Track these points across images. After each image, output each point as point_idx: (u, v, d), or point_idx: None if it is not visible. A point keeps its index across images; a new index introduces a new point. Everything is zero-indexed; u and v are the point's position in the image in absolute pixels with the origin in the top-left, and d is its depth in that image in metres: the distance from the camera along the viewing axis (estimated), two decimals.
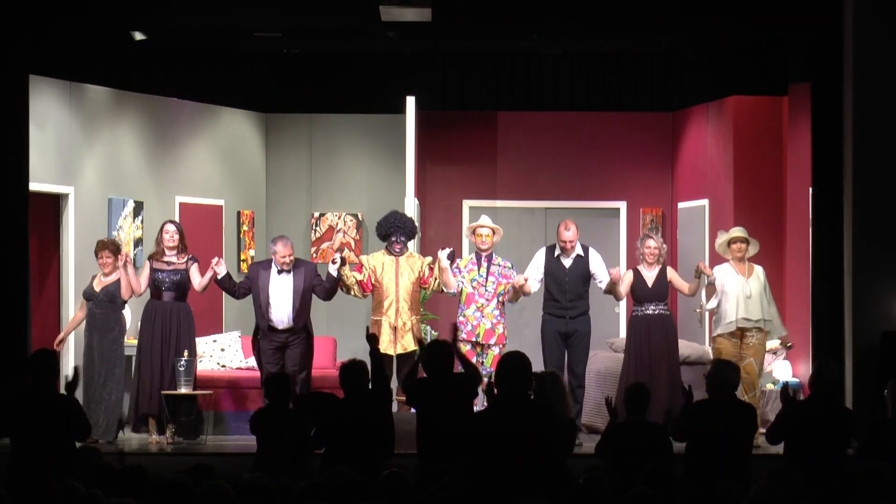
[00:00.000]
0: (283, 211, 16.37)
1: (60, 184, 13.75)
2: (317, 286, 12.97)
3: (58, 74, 13.81)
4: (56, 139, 13.73)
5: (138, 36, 14.16)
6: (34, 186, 13.41)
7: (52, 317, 13.47)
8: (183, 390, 12.74)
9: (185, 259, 13.04)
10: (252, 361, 14.11)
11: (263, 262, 13.17)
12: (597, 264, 13.29)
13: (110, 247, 12.91)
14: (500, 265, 13.18)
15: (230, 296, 13.30)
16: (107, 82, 14.44)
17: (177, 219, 15.07)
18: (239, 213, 15.96)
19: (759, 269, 12.93)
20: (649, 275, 12.99)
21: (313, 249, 16.27)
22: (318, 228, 16.32)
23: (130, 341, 14.03)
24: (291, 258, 12.90)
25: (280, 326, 12.82)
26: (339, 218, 16.32)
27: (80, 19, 13.54)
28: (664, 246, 13.21)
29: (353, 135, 16.37)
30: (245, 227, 16.01)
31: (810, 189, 14.08)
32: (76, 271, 13.71)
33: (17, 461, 9.19)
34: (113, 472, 7.09)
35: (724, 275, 12.89)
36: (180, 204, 15.22)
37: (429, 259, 13.26)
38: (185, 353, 12.78)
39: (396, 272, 13.03)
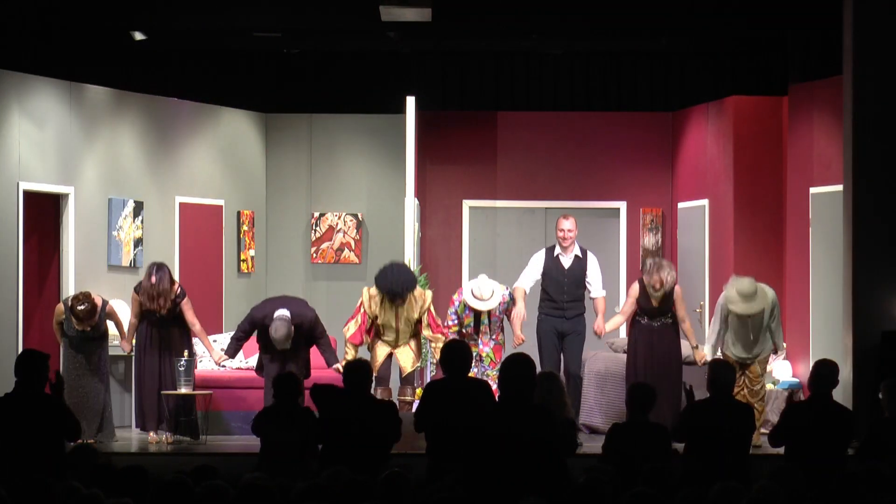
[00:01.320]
0: (283, 211, 16.36)
1: (60, 184, 13.74)
2: (322, 350, 12.95)
3: (58, 74, 13.81)
4: (56, 139, 13.72)
5: (138, 36, 14.17)
6: (34, 186, 13.41)
7: (52, 317, 13.44)
8: (183, 390, 12.74)
9: (175, 296, 12.73)
10: (252, 361, 14.12)
11: (267, 313, 12.87)
12: (593, 271, 13.23)
13: (87, 308, 12.41)
14: (500, 302, 13.11)
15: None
16: (107, 82, 14.44)
17: (177, 218, 15.08)
18: (239, 213, 15.95)
19: (767, 302, 12.48)
20: (656, 295, 12.68)
21: (313, 249, 16.26)
22: (318, 228, 16.31)
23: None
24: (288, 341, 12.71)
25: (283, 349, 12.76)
26: (339, 218, 16.31)
27: (80, 19, 13.55)
28: (671, 275, 12.67)
29: (353, 135, 16.36)
30: (245, 227, 16.00)
31: (810, 189, 14.10)
32: (76, 271, 13.71)
33: (5, 462, 9.16)
34: (113, 471, 7.09)
35: (730, 308, 12.47)
36: (180, 204, 15.20)
37: (429, 299, 12.93)
38: (185, 353, 12.78)
39: (396, 315, 12.92)
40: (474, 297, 12.99)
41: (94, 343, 12.62)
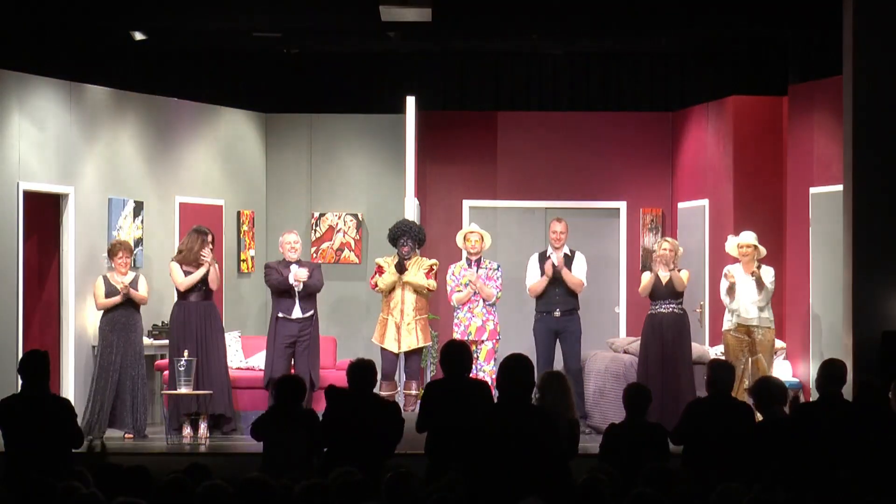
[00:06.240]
0: (283, 211, 16.37)
1: (60, 184, 13.74)
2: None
3: (58, 74, 13.81)
4: (56, 139, 13.72)
5: (138, 36, 14.17)
6: (34, 186, 13.41)
7: (52, 317, 13.46)
8: (183, 390, 12.77)
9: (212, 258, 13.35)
10: (252, 361, 14.14)
11: (280, 262, 13.56)
12: (578, 265, 13.71)
13: (126, 247, 13.18)
14: (486, 268, 13.71)
15: (282, 287, 13.44)
16: (107, 82, 14.44)
17: (177, 218, 15.10)
18: (239, 213, 15.96)
19: (763, 272, 13.25)
20: (664, 274, 13.24)
21: (313, 249, 16.27)
22: (318, 228, 16.31)
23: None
24: (298, 245, 13.46)
25: (296, 316, 13.32)
26: (339, 218, 16.31)
27: (80, 19, 13.54)
28: (681, 249, 13.49)
29: (353, 135, 16.37)
30: (245, 227, 16.01)
31: (810, 189, 14.11)
32: (76, 271, 13.71)
33: (10, 462, 9.16)
34: (114, 472, 7.08)
35: (735, 275, 13.28)
36: (180, 204, 15.21)
37: (433, 260, 13.78)
38: (185, 353, 12.82)
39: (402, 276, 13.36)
40: (469, 230, 13.83)
41: (130, 318, 12.94)
